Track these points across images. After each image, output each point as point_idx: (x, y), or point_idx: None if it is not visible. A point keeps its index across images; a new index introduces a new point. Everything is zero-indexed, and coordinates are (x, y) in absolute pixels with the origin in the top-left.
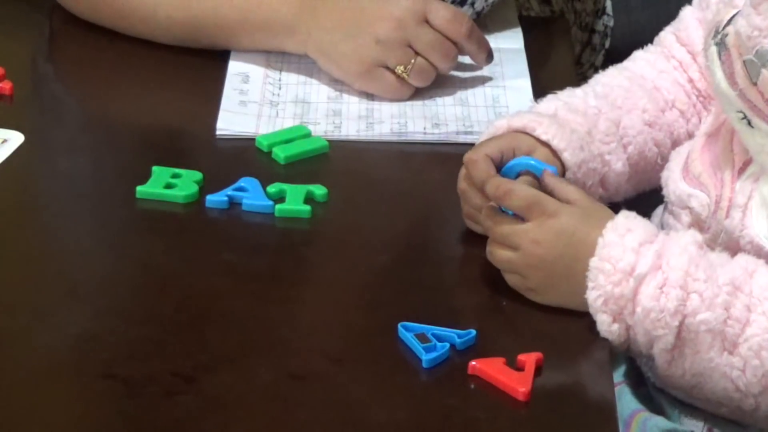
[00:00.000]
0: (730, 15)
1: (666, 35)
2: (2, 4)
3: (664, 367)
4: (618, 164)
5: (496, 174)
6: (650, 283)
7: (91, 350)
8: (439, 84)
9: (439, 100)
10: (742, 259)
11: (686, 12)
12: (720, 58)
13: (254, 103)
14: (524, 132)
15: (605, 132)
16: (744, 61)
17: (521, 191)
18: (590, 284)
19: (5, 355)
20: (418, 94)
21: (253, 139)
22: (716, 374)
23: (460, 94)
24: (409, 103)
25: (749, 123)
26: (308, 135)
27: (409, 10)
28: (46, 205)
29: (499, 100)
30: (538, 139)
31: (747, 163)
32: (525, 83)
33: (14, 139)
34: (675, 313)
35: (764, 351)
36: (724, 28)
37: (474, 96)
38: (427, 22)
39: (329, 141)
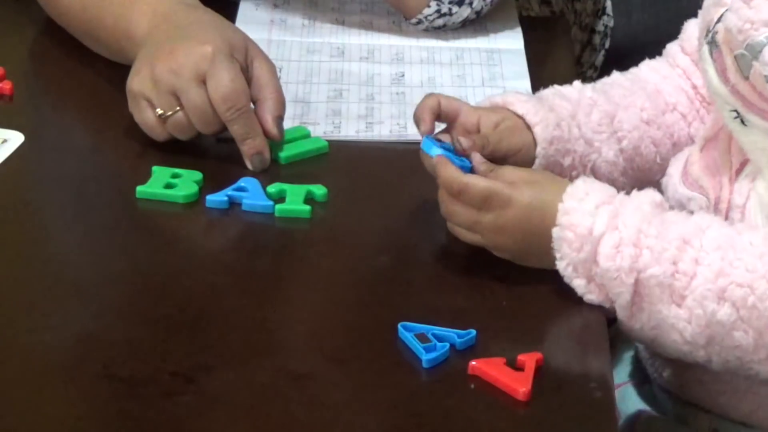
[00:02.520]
0: (719, 14)
1: (672, 46)
2: (2, 4)
3: (625, 322)
4: (609, 153)
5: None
6: (607, 244)
7: (91, 350)
8: (439, 84)
9: None
10: (698, 216)
11: (690, 24)
12: (711, 57)
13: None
14: (504, 107)
15: (597, 122)
16: (735, 56)
17: (475, 187)
18: (557, 254)
19: (5, 355)
20: (417, 93)
21: None
22: (666, 326)
23: (460, 94)
24: (409, 103)
25: (742, 121)
26: (308, 136)
27: (189, 66)
28: (46, 205)
29: None
30: (514, 114)
31: (744, 164)
32: (524, 84)
33: (14, 139)
34: (630, 271)
35: (707, 301)
36: (714, 26)
37: (474, 96)
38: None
39: (329, 141)
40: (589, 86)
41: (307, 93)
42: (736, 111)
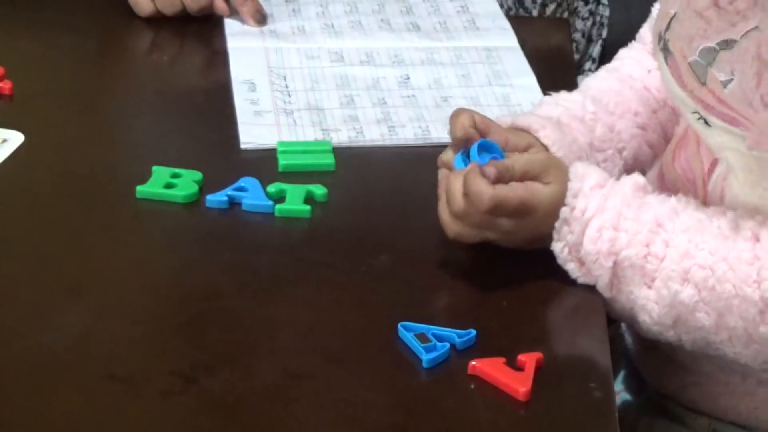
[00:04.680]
0: (668, 19)
1: (645, 32)
2: (2, 4)
3: (608, 304)
4: (614, 171)
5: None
6: (593, 226)
7: (91, 350)
8: (447, 85)
9: (452, 101)
10: (675, 199)
11: (657, 8)
12: (667, 63)
13: (269, 112)
14: (527, 132)
15: (601, 138)
16: (689, 63)
17: (510, 201)
18: (555, 236)
19: (5, 355)
20: (428, 96)
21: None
22: (638, 307)
23: (469, 94)
24: (423, 106)
25: (706, 122)
26: (329, 151)
27: None
28: (46, 205)
29: (509, 98)
30: (539, 141)
31: (714, 164)
32: (531, 80)
33: (14, 139)
34: (608, 254)
35: (671, 281)
36: (665, 33)
37: (483, 96)
38: None
39: (353, 147)
40: (588, 98)
41: (319, 100)
42: (698, 112)
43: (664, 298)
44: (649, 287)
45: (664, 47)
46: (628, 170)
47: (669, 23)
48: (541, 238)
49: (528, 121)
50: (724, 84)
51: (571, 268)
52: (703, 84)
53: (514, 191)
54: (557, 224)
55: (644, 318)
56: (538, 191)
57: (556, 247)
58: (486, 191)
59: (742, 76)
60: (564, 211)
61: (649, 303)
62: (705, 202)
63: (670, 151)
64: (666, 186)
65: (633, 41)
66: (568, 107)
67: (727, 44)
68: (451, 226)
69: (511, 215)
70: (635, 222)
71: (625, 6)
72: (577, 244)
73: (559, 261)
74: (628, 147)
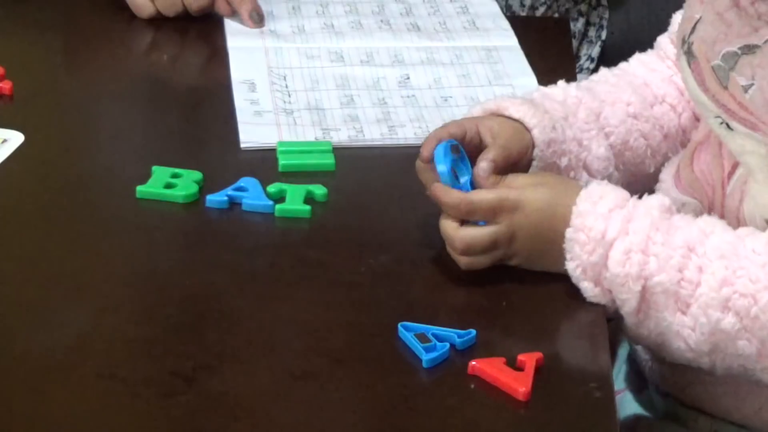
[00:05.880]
0: (693, 23)
1: (662, 39)
2: (2, 4)
3: (632, 329)
4: (600, 150)
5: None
6: (618, 248)
7: (91, 350)
8: (447, 85)
9: (452, 101)
10: (702, 220)
11: (677, 16)
12: (690, 67)
13: (269, 112)
14: (498, 114)
15: (584, 120)
16: (712, 67)
17: (483, 200)
18: (568, 255)
19: (5, 355)
20: (428, 96)
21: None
22: (671, 333)
23: (469, 95)
24: (423, 106)
25: (728, 126)
26: (329, 151)
27: None
28: (46, 205)
29: None
30: (510, 118)
31: (735, 167)
32: (531, 81)
33: (14, 139)
34: (637, 278)
35: (710, 309)
36: (689, 36)
37: (484, 96)
38: None
39: (353, 146)
40: (573, 85)
41: (319, 100)
42: (720, 117)
43: (703, 325)
44: (684, 313)
45: (687, 51)
46: (618, 155)
47: (694, 27)
48: (545, 253)
49: (497, 102)
50: (745, 89)
51: (585, 287)
52: (725, 88)
53: (487, 191)
54: (566, 245)
55: (679, 344)
56: (520, 188)
57: (569, 266)
58: (458, 196)
59: (762, 82)
60: (569, 232)
61: (685, 329)
62: (723, 205)
63: (689, 154)
64: (682, 186)
65: (650, 49)
66: (546, 92)
67: (749, 49)
68: (460, 259)
69: (496, 214)
70: (665, 246)
71: (625, 8)
72: (596, 265)
73: (573, 281)
74: (616, 132)
